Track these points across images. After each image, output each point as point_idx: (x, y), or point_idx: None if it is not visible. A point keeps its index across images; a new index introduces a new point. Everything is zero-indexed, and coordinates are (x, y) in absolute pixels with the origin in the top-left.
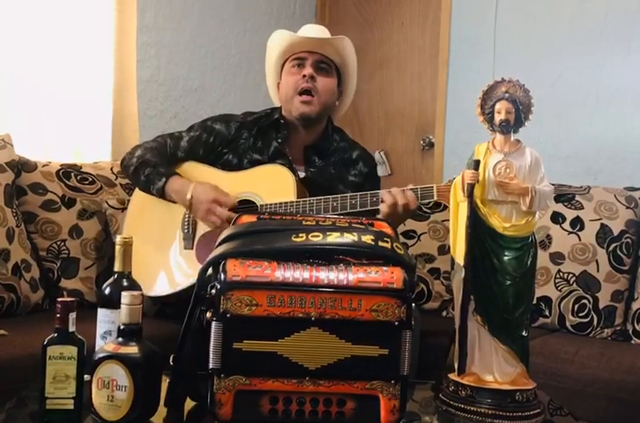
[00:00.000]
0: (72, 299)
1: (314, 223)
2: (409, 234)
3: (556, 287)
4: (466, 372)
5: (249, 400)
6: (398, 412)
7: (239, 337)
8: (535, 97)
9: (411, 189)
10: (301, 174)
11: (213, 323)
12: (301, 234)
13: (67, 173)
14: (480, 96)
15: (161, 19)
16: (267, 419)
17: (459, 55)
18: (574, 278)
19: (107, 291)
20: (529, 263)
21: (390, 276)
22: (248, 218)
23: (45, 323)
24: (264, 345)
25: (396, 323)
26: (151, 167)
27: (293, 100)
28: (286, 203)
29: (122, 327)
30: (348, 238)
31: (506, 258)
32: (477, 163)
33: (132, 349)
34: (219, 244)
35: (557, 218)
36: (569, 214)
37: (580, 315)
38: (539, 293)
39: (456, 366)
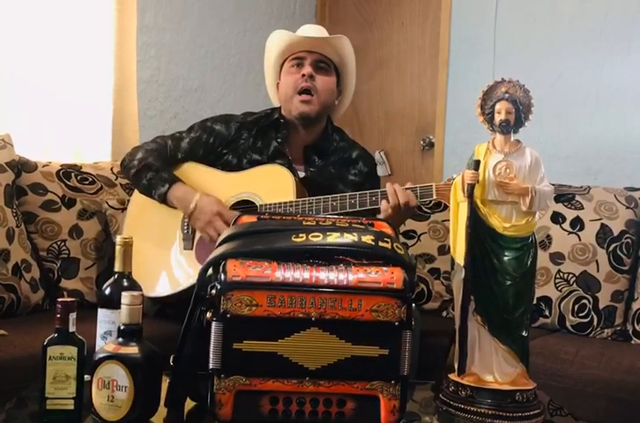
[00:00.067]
0: (72, 299)
1: (314, 223)
2: (409, 234)
3: (556, 287)
4: (466, 372)
5: (249, 400)
6: (398, 413)
7: (239, 338)
8: (535, 97)
9: (410, 188)
10: (301, 174)
11: (213, 324)
12: (301, 235)
13: (67, 173)
14: (480, 96)
15: (161, 19)
16: (267, 420)
17: (459, 55)
18: (574, 279)
19: (107, 291)
20: (529, 263)
21: (391, 276)
22: (248, 219)
23: (45, 324)
24: (265, 346)
25: (396, 324)
26: (153, 172)
27: (293, 99)
28: (285, 203)
29: (122, 327)
30: (348, 238)
31: (506, 258)
32: (477, 163)
33: (132, 349)
34: (220, 244)
35: (557, 218)
36: (569, 214)
37: (580, 315)
38: (539, 293)
39: (456, 366)
